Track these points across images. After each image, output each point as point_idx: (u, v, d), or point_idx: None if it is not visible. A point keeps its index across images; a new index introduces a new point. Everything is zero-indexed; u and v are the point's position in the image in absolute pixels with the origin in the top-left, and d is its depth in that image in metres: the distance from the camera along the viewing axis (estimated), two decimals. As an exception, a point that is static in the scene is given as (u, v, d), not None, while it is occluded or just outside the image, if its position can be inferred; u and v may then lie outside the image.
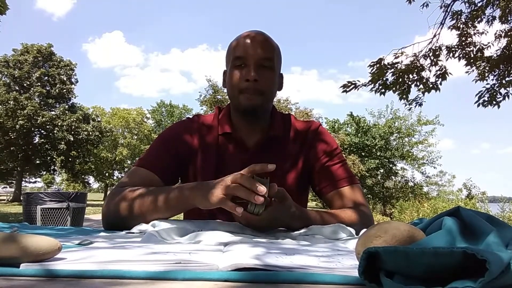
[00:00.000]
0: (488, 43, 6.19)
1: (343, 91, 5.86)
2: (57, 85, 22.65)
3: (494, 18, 6.09)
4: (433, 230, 0.49)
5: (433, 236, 0.44)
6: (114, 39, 71.86)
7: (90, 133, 23.40)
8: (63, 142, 22.15)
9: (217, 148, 1.15)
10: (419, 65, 6.05)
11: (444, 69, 6.11)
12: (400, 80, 5.97)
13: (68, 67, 23.50)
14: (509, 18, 5.94)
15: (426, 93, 6.14)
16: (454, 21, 6.22)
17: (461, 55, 6.20)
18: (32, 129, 21.65)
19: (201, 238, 0.72)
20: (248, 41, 1.09)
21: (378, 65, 5.87)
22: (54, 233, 0.83)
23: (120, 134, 34.12)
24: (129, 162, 33.31)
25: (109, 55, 71.69)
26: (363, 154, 22.18)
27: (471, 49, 6.20)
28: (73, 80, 23.99)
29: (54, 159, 23.28)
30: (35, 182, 35.79)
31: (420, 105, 6.33)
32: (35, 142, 22.38)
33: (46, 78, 22.43)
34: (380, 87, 6.00)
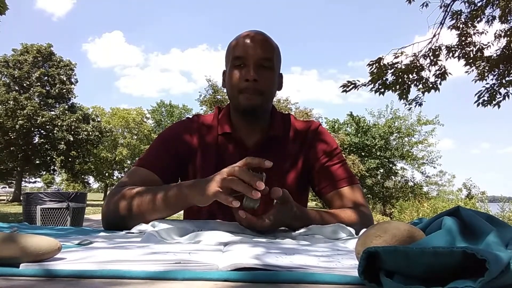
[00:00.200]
0: (488, 43, 6.20)
1: (342, 91, 5.86)
2: (57, 85, 22.65)
3: (494, 18, 6.10)
4: (433, 230, 0.49)
5: (433, 236, 0.44)
6: (114, 39, 71.96)
7: (90, 133, 23.40)
8: (63, 142, 22.15)
9: (216, 148, 1.15)
10: (418, 65, 6.05)
11: (443, 69, 6.11)
12: (400, 80, 5.97)
13: (68, 67, 23.50)
14: (509, 18, 5.94)
15: (425, 93, 6.14)
16: (454, 21, 6.22)
17: (460, 55, 6.20)
18: (32, 129, 21.65)
19: (201, 238, 0.72)
20: (248, 41, 1.09)
21: (377, 64, 5.87)
22: (54, 233, 0.83)
23: (120, 134, 34.13)
24: (129, 162, 33.31)
25: (109, 55, 71.79)
26: (363, 154, 22.18)
27: (471, 49, 6.20)
28: (73, 80, 24.00)
29: (54, 159, 23.28)
30: (35, 182, 35.80)
31: (420, 105, 6.34)
32: (35, 142, 22.38)
33: (46, 78, 22.43)
34: (380, 87, 6.00)
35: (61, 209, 5.20)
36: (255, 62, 1.07)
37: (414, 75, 6.05)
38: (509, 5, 5.69)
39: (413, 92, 6.18)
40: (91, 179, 36.51)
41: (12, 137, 20.74)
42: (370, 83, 5.96)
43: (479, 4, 6.06)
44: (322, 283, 0.43)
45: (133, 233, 0.87)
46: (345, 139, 20.87)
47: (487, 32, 6.14)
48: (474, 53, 6.18)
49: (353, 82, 5.86)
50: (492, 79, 6.05)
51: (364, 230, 0.57)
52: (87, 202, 6.51)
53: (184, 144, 1.16)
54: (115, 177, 33.73)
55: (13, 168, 23.33)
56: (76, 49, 70.39)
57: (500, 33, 6.09)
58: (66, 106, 23.27)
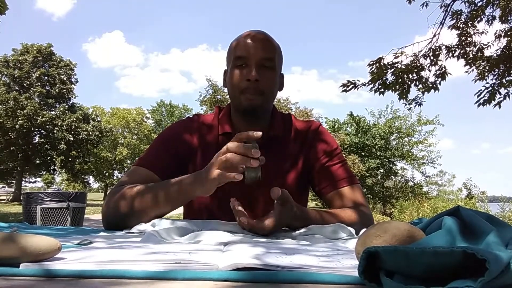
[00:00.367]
0: (488, 42, 6.19)
1: (342, 91, 5.86)
2: (57, 85, 22.65)
3: (494, 17, 6.09)
4: (433, 230, 0.49)
5: (433, 236, 0.44)
6: (114, 39, 71.91)
7: (90, 133, 23.41)
8: (63, 142, 22.15)
9: (217, 148, 1.14)
10: (418, 65, 6.04)
11: (443, 68, 6.11)
12: (400, 80, 5.97)
13: (68, 67, 23.50)
14: (509, 18, 5.94)
15: (425, 93, 6.14)
16: (454, 21, 6.21)
17: (460, 55, 6.20)
18: (32, 129, 21.66)
19: (201, 238, 0.72)
20: (249, 40, 1.09)
21: (377, 64, 5.87)
22: (54, 233, 0.83)
23: (120, 134, 34.12)
24: (129, 162, 33.31)
25: (109, 55, 71.76)
26: (363, 154, 22.18)
27: (471, 48, 6.19)
28: (73, 80, 24.01)
29: (54, 159, 23.29)
30: (35, 182, 35.85)
31: (420, 105, 6.33)
32: (35, 142, 22.39)
33: (46, 78, 22.43)
34: (380, 87, 5.99)
35: (61, 209, 5.20)
36: (256, 62, 1.07)
37: (414, 75, 6.04)
38: (509, 5, 5.69)
39: (413, 92, 6.19)
40: (91, 179, 36.57)
41: (12, 137, 20.74)
42: (370, 83, 5.96)
43: (479, 4, 6.06)
44: (322, 283, 0.43)
45: (133, 233, 0.87)
46: (345, 139, 20.87)
47: (487, 32, 6.14)
48: (474, 53, 6.17)
49: (353, 82, 5.85)
50: (492, 79, 6.05)
51: (364, 230, 0.57)
52: (87, 202, 6.51)
53: (184, 143, 1.16)
54: (115, 177, 33.74)
55: (13, 168, 23.34)
56: (76, 49, 70.47)
57: (500, 33, 6.09)
58: (66, 106, 23.28)
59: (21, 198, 6.94)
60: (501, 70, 5.94)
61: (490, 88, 5.88)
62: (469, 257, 0.34)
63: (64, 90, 23.04)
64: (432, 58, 6.07)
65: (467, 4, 6.18)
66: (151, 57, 74.43)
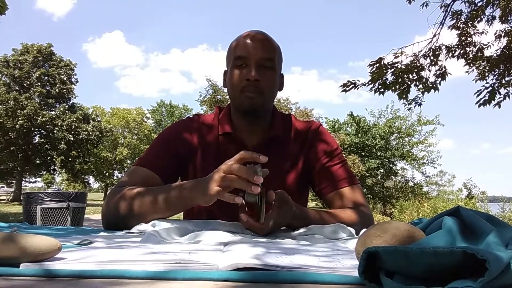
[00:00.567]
0: (488, 42, 6.18)
1: (342, 91, 5.86)
2: (57, 85, 22.65)
3: (494, 18, 6.09)
4: (433, 230, 0.49)
5: (433, 236, 0.44)
6: (114, 39, 71.84)
7: (90, 133, 23.41)
8: (63, 142, 22.15)
9: (217, 148, 1.15)
10: (418, 65, 6.04)
11: (443, 68, 6.10)
12: (400, 80, 5.96)
13: (68, 67, 23.50)
14: (509, 18, 5.94)
15: (425, 93, 6.13)
16: (454, 21, 6.21)
17: (460, 55, 6.20)
18: (32, 129, 21.65)
19: (201, 238, 0.72)
20: (249, 41, 1.09)
21: (378, 65, 5.86)
22: (54, 233, 0.83)
23: (120, 134, 34.12)
24: (129, 162, 33.29)
25: (109, 55, 71.69)
26: (363, 154, 22.19)
27: (471, 49, 6.19)
28: (73, 80, 24.00)
29: (54, 159, 23.29)
30: (35, 182, 35.86)
31: (420, 105, 6.33)
32: (35, 142, 22.38)
33: (46, 78, 22.43)
34: (380, 87, 5.99)
35: (61, 209, 5.20)
36: (256, 62, 1.07)
37: (414, 75, 6.04)
38: (509, 5, 5.69)
39: (413, 92, 6.18)
40: (91, 179, 36.54)
41: (12, 137, 20.74)
42: (370, 83, 5.96)
43: (479, 4, 6.05)
44: (322, 283, 0.43)
45: (133, 233, 0.87)
46: (345, 139, 20.88)
47: (487, 32, 6.14)
48: (474, 53, 6.17)
49: (353, 81, 5.85)
50: (492, 79, 6.05)
51: (364, 230, 0.57)
52: (87, 202, 6.51)
53: (184, 143, 1.16)
54: (115, 177, 33.73)
55: (13, 168, 23.34)
56: (76, 49, 70.39)
57: (500, 33, 6.08)
58: (66, 106, 23.27)
59: (21, 198, 6.94)
60: (501, 70, 5.94)
61: (490, 88, 5.87)
62: (469, 257, 0.34)
63: (64, 90, 23.03)
64: (432, 58, 6.07)
65: (467, 4, 6.18)
66: (151, 57, 74.47)
